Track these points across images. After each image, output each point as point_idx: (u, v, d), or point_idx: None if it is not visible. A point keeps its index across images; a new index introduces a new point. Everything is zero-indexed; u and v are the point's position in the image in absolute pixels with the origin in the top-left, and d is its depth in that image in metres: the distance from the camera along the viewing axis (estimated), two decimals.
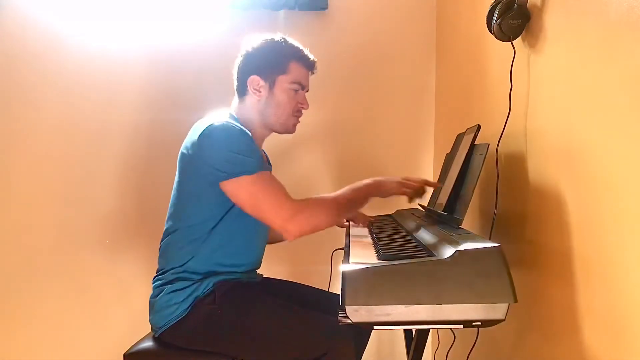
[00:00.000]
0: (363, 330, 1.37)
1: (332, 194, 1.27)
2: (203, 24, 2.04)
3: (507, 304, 0.83)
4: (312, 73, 1.41)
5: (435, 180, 1.61)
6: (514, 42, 1.15)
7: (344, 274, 0.85)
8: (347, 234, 1.35)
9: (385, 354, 2.17)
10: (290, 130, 1.41)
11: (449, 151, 1.54)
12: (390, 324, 0.85)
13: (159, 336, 1.27)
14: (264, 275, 1.51)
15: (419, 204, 1.66)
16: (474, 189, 1.10)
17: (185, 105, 2.01)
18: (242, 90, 1.37)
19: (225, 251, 1.27)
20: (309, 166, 2.12)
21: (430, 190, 1.49)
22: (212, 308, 1.23)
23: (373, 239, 1.22)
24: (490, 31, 1.18)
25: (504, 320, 0.84)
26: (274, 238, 1.54)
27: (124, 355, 1.25)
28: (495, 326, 0.86)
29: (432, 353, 1.97)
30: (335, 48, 2.09)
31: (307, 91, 1.41)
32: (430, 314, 0.84)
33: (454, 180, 1.21)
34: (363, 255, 1.00)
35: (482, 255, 0.85)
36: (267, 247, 1.56)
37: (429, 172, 2.14)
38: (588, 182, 0.90)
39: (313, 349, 1.17)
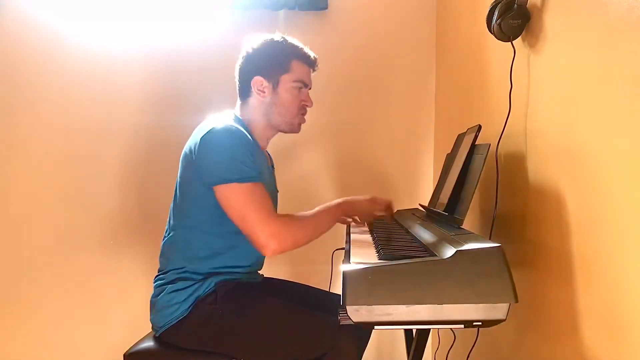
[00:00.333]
0: (363, 330, 1.37)
1: (310, 213, 1.29)
2: (203, 24, 2.04)
3: (507, 304, 0.83)
4: (314, 70, 1.41)
5: (435, 181, 1.62)
6: (514, 42, 1.15)
7: (344, 274, 0.85)
8: (348, 234, 1.35)
9: (385, 354, 2.17)
10: (296, 129, 1.41)
11: (449, 151, 1.54)
12: (391, 324, 0.85)
13: (160, 336, 1.28)
14: (265, 276, 1.51)
15: (419, 204, 1.67)
16: (475, 189, 1.10)
17: (185, 106, 2.02)
18: (245, 92, 1.37)
19: (227, 253, 1.27)
20: (308, 166, 2.12)
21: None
22: (214, 308, 1.23)
23: (373, 239, 1.22)
24: (490, 31, 1.18)
25: (504, 320, 0.84)
26: None
27: (124, 355, 1.25)
28: (495, 326, 0.86)
29: (432, 353, 1.97)
30: (335, 48, 2.09)
31: (310, 89, 1.41)
32: (430, 313, 0.84)
33: (454, 180, 1.21)
34: (364, 255, 1.00)
35: (482, 255, 0.85)
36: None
37: (429, 172, 2.14)
38: (588, 182, 0.90)
39: (314, 349, 1.17)
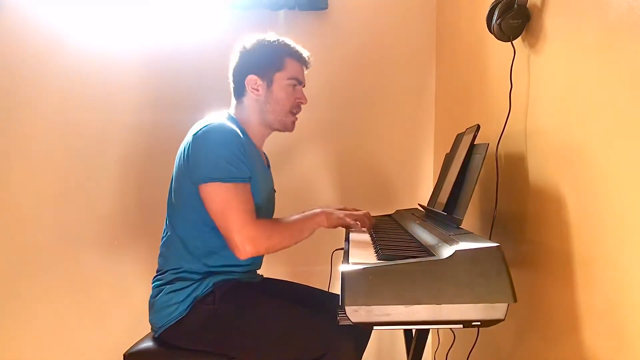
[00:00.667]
0: (363, 331, 1.37)
1: (288, 220, 1.30)
2: (203, 24, 2.04)
3: (506, 304, 0.83)
4: (307, 68, 1.42)
5: (435, 181, 1.61)
6: (514, 42, 1.15)
7: (343, 275, 0.85)
8: (347, 234, 1.35)
9: (385, 354, 2.17)
10: (289, 127, 1.42)
11: (448, 151, 1.54)
12: (390, 324, 0.85)
13: (159, 336, 1.27)
14: (264, 276, 1.51)
15: (419, 204, 1.66)
16: (474, 188, 1.10)
17: (185, 106, 2.01)
18: (239, 92, 1.38)
19: (223, 251, 1.26)
20: (308, 166, 2.12)
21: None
22: (212, 308, 1.23)
23: (373, 239, 1.22)
24: (490, 31, 1.18)
25: (503, 320, 0.84)
26: None
27: (124, 355, 1.25)
28: (495, 326, 0.86)
29: (432, 353, 1.97)
30: (335, 48, 2.09)
31: (304, 86, 1.42)
32: (430, 314, 0.84)
33: (453, 180, 1.21)
34: (363, 256, 1.00)
35: (481, 255, 0.85)
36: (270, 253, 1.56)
37: (429, 172, 2.14)
38: (588, 182, 0.90)
39: (313, 349, 1.17)
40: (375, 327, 0.87)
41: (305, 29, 2.05)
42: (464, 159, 1.20)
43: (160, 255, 1.35)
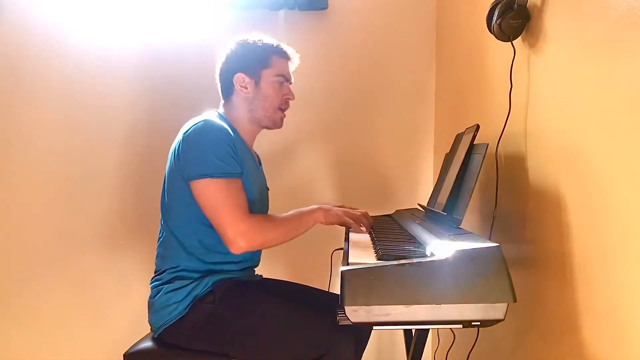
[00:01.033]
0: (363, 330, 1.37)
1: (284, 215, 1.30)
2: (203, 24, 2.04)
3: (506, 304, 0.83)
4: (293, 64, 1.44)
5: (435, 181, 1.61)
6: (514, 42, 1.15)
7: (343, 274, 0.84)
8: (347, 234, 1.35)
9: (385, 354, 2.17)
10: (278, 124, 1.43)
11: (448, 151, 1.54)
12: (390, 324, 0.85)
13: (159, 336, 1.27)
14: (264, 276, 1.51)
15: (418, 204, 1.66)
16: (473, 188, 1.10)
17: (184, 105, 2.01)
18: (228, 91, 1.40)
19: (218, 248, 1.26)
20: (308, 165, 2.12)
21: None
22: (212, 308, 1.23)
23: (372, 239, 1.22)
24: (490, 31, 1.18)
25: (503, 320, 0.83)
26: None
27: (124, 355, 1.25)
28: (495, 326, 0.86)
29: (432, 353, 1.97)
30: (335, 48, 2.09)
31: (291, 83, 1.44)
32: (429, 314, 0.84)
33: (453, 180, 1.21)
34: (362, 256, 1.00)
35: (481, 255, 0.85)
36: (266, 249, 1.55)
37: (429, 172, 2.14)
38: (588, 182, 0.90)
39: (313, 349, 1.17)
40: (375, 327, 0.87)
41: (305, 29, 2.05)
42: (464, 159, 1.20)
43: (157, 257, 1.35)
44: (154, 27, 2.04)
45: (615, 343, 0.83)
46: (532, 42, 1.12)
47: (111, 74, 2.03)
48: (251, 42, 1.38)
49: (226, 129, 1.26)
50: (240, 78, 1.37)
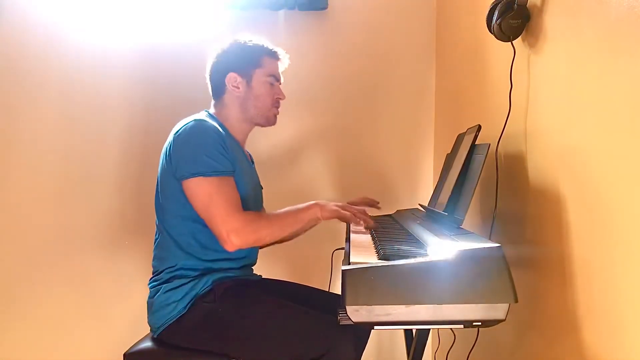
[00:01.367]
0: (362, 330, 1.37)
1: (278, 212, 1.31)
2: (202, 24, 2.04)
3: (507, 304, 0.83)
4: (283, 65, 1.46)
5: (435, 181, 1.61)
6: (514, 42, 1.15)
7: (344, 274, 0.85)
8: (347, 234, 1.35)
9: (385, 354, 2.17)
10: (272, 121, 1.45)
11: (449, 151, 1.54)
12: (391, 324, 0.85)
13: (159, 336, 1.27)
14: (264, 276, 1.51)
15: (419, 204, 1.67)
16: (475, 189, 1.10)
17: (185, 105, 1.99)
18: (219, 91, 1.42)
19: (214, 245, 1.26)
20: (308, 165, 2.12)
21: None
22: (212, 307, 1.23)
23: (373, 239, 1.22)
24: (490, 31, 1.18)
25: (504, 320, 0.84)
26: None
27: (124, 355, 1.25)
28: (495, 326, 0.86)
29: (432, 353, 1.97)
30: (335, 48, 2.09)
31: (281, 83, 1.46)
32: (430, 313, 0.84)
33: (454, 180, 1.21)
34: (363, 255, 1.00)
35: (482, 255, 0.85)
36: (266, 248, 1.55)
37: (429, 172, 2.14)
38: (588, 182, 0.90)
39: (313, 348, 1.17)
40: (375, 327, 0.87)
41: (305, 29, 2.05)
42: (465, 160, 1.20)
43: (154, 259, 1.35)
44: (154, 27, 2.04)
45: (615, 343, 0.83)
46: (532, 42, 1.13)
47: (111, 74, 2.03)
48: (242, 42, 1.40)
49: (217, 128, 1.28)
50: (232, 78, 1.38)
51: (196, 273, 1.27)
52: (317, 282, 1.59)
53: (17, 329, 2.05)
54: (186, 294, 1.24)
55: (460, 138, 1.41)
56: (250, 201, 1.36)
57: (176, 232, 1.29)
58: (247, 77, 1.39)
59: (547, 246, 1.05)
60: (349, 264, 0.89)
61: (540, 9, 1.08)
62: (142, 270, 2.04)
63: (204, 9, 2.04)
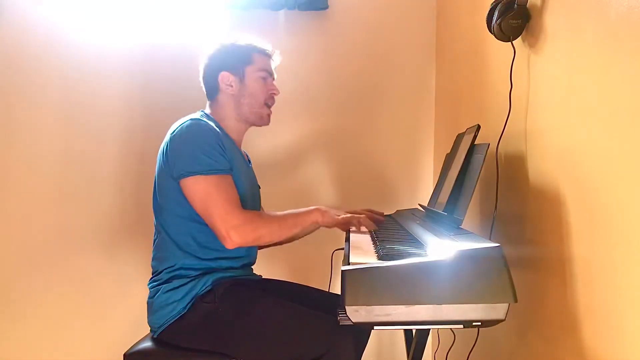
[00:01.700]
0: (362, 330, 1.37)
1: (279, 213, 1.32)
2: (203, 24, 2.04)
3: (507, 304, 0.83)
4: (274, 60, 1.46)
5: (435, 181, 1.61)
6: (514, 42, 1.15)
7: (344, 274, 0.84)
8: (347, 235, 1.35)
9: (385, 354, 2.17)
10: (265, 120, 1.45)
11: (449, 151, 1.54)
12: (391, 324, 0.85)
13: (159, 336, 1.27)
14: (264, 276, 1.51)
15: (419, 204, 1.66)
16: (474, 189, 1.10)
17: (185, 106, 1.99)
18: (213, 91, 1.42)
19: (213, 244, 1.27)
20: (308, 166, 2.12)
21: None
22: (212, 307, 1.23)
23: (373, 239, 1.22)
24: (490, 31, 1.18)
25: (504, 320, 0.83)
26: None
27: (124, 355, 1.25)
28: (495, 326, 0.86)
29: (432, 353, 1.97)
30: (335, 48, 2.09)
31: (274, 79, 1.46)
32: (430, 314, 0.84)
33: (454, 180, 1.21)
34: (363, 256, 1.00)
35: (482, 255, 0.85)
36: (266, 248, 1.55)
37: (429, 172, 2.14)
38: (588, 182, 0.90)
39: (313, 349, 1.17)
40: (375, 327, 0.87)
41: (305, 29, 2.05)
42: (464, 159, 1.20)
43: (153, 259, 1.36)
44: (154, 28, 2.03)
45: (615, 343, 0.83)
46: (532, 42, 1.13)
47: (111, 74, 2.03)
48: (231, 42, 1.42)
49: (212, 127, 1.28)
50: (225, 76, 1.39)
51: (196, 273, 1.27)
52: (317, 282, 1.59)
53: (17, 329, 2.05)
54: (186, 294, 1.24)
55: (459, 138, 1.41)
56: (248, 201, 1.36)
57: (174, 232, 1.29)
58: (240, 74, 1.40)
59: (547, 246, 1.05)
60: (349, 264, 0.89)
61: (540, 9, 1.08)
62: (142, 270, 2.04)
63: (204, 9, 2.04)
